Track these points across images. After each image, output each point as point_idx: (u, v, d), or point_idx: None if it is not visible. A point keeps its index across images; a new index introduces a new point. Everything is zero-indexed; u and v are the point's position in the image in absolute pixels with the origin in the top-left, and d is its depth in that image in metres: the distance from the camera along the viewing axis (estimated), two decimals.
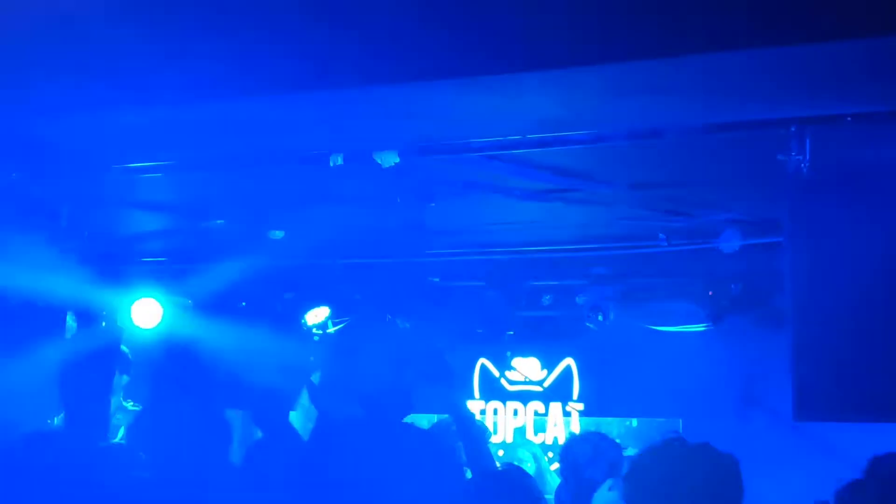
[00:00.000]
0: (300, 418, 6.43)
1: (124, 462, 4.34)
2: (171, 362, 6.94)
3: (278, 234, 6.00)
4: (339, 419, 4.41)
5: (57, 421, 5.78)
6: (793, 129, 3.71)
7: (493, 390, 7.87)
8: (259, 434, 5.67)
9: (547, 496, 6.11)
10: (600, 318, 6.99)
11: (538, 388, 7.79)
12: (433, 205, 5.20)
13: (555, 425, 7.67)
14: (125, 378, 5.98)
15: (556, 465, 6.58)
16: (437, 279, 7.33)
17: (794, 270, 3.87)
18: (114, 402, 5.92)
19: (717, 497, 2.94)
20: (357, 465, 3.88)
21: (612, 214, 5.63)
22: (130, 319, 7.01)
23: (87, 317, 6.32)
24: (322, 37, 3.29)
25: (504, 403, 7.84)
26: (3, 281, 5.98)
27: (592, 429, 7.14)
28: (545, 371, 7.79)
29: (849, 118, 3.56)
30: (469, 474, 4.32)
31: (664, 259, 6.46)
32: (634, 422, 7.46)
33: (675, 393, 7.24)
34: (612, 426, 7.45)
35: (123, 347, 6.38)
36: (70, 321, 5.83)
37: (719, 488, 2.95)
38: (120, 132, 4.09)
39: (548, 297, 7.36)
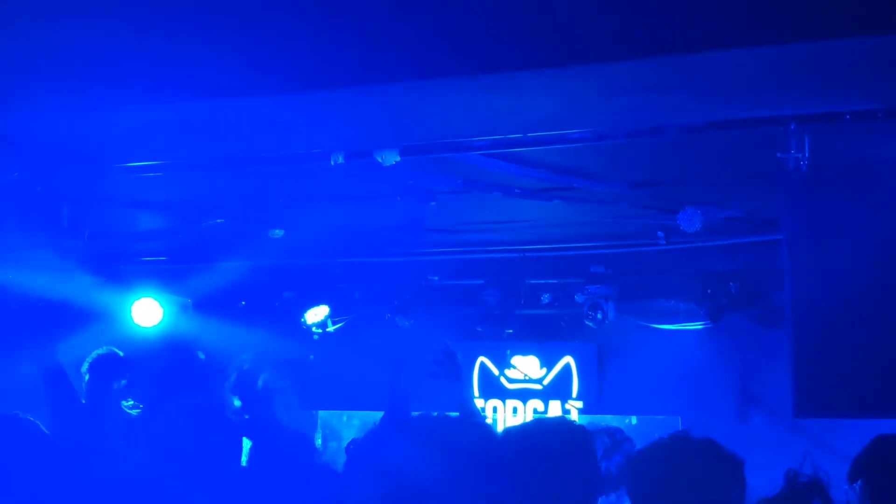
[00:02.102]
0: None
1: (119, 462, 4.34)
2: (171, 361, 6.95)
3: (278, 233, 6.01)
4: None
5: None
6: (792, 126, 3.72)
7: (492, 388, 7.88)
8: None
9: None
10: (599, 316, 7.00)
11: (537, 387, 7.80)
12: (433, 203, 5.21)
13: None
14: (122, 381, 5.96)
15: None
16: (436, 278, 7.34)
17: (793, 268, 3.88)
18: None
19: (721, 495, 2.94)
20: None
21: (611, 213, 5.65)
22: (131, 319, 7.02)
23: (88, 316, 6.33)
24: (323, 36, 3.30)
25: (503, 402, 7.84)
26: (3, 280, 5.98)
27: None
28: (544, 369, 7.80)
29: (848, 116, 3.58)
30: None
31: (662, 257, 6.47)
32: (634, 419, 7.47)
33: (674, 391, 7.25)
34: (611, 424, 7.46)
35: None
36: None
37: (723, 486, 2.95)
38: (120, 132, 4.09)
39: (547, 295, 7.37)
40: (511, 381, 7.86)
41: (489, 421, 7.80)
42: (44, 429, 3.87)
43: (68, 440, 4.41)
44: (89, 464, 4.16)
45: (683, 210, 5.01)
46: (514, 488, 3.00)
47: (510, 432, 3.49)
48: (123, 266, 7.01)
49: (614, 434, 5.29)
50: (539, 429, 3.36)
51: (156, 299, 7.11)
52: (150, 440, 4.49)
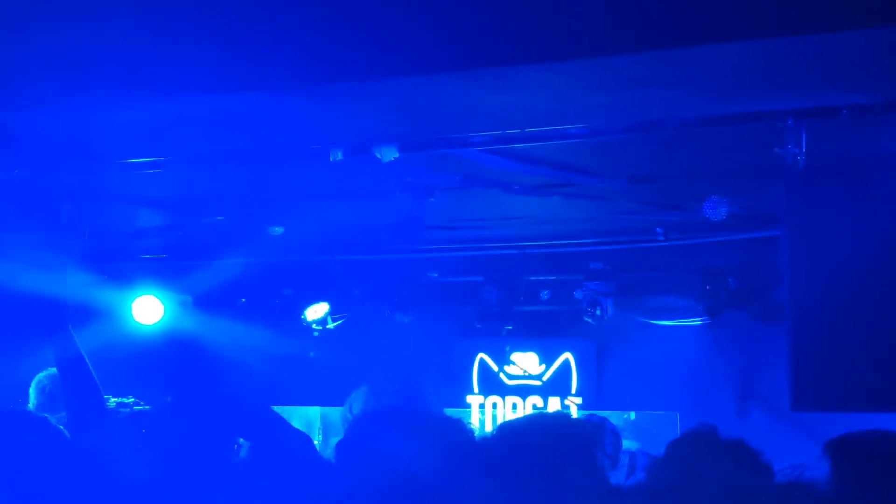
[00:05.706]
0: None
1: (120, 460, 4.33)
2: (172, 359, 6.96)
3: (278, 230, 6.02)
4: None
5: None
6: (789, 121, 3.73)
7: (491, 385, 7.90)
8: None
9: None
10: (598, 312, 7.02)
11: (537, 383, 7.82)
12: (432, 200, 5.22)
13: None
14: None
15: None
16: (435, 274, 7.36)
17: (791, 263, 3.89)
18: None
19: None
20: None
21: (609, 209, 5.65)
22: (131, 316, 7.03)
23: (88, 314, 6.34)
24: (321, 31, 3.31)
25: (503, 398, 7.86)
26: (2, 279, 5.99)
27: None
28: (543, 365, 7.82)
29: (845, 110, 3.58)
30: None
31: (661, 253, 6.48)
32: (632, 415, 7.50)
33: (672, 386, 7.28)
34: (610, 420, 7.48)
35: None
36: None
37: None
38: (120, 128, 4.10)
39: (546, 291, 7.38)
40: (510, 377, 7.87)
41: (488, 417, 7.84)
42: (60, 427, 3.88)
43: (84, 435, 4.40)
44: (99, 460, 4.16)
45: (708, 199, 4.85)
46: (511, 485, 3.00)
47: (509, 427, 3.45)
48: (124, 263, 7.03)
49: (600, 424, 5.22)
50: (539, 425, 3.34)
51: (156, 296, 7.13)
52: (148, 438, 4.49)
